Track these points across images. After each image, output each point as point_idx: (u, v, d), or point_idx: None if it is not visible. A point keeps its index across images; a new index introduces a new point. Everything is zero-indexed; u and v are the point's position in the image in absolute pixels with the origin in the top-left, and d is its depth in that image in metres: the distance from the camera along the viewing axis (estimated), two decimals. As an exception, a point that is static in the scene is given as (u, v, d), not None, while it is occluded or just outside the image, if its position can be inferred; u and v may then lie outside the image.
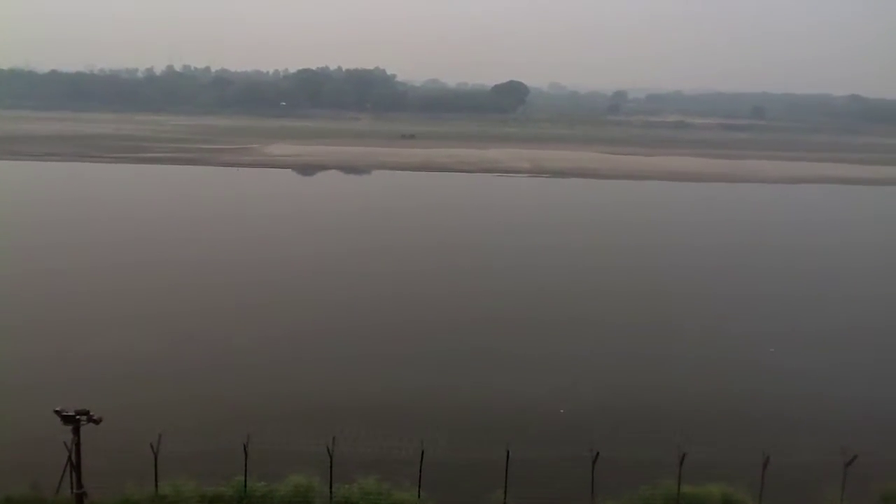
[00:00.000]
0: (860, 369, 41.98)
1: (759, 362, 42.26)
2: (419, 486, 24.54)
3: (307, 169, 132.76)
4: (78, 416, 22.26)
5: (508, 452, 24.31)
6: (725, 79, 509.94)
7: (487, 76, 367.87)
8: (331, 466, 23.96)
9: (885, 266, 69.34)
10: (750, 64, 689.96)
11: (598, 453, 24.41)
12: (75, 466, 22.72)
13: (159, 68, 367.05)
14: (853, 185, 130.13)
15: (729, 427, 33.53)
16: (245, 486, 24.21)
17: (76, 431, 22.37)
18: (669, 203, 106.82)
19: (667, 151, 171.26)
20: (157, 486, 23.88)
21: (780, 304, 54.55)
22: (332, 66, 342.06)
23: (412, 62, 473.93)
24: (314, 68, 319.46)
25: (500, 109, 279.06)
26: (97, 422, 22.49)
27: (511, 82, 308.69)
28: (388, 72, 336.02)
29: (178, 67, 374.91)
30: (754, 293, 57.72)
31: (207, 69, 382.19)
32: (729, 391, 38.11)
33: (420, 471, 24.33)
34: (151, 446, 23.33)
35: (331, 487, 24.30)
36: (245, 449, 23.83)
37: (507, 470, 24.44)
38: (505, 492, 24.67)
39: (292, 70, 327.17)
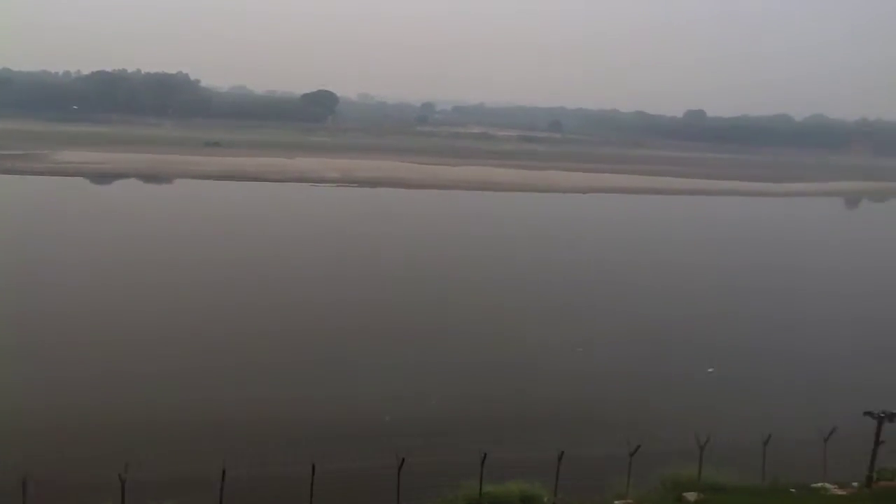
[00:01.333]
0: (638, 370, 45.57)
1: (560, 367, 44.79)
2: (222, 507, 23.89)
3: (103, 177, 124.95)
4: None
5: (314, 466, 24.25)
6: (525, 93, 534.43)
7: (296, 84, 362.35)
8: (122, 494, 22.71)
9: (666, 270, 75.46)
10: (548, 80, 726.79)
11: (403, 460, 24.92)
12: None
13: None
14: (638, 195, 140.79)
15: (531, 428, 35.30)
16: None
17: None
18: (476, 213, 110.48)
19: (472, 162, 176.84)
20: None
21: (576, 313, 57.96)
22: (130, 69, 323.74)
23: (217, 67, 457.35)
24: (110, 70, 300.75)
25: (310, 118, 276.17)
26: None
27: (320, 91, 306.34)
28: (192, 76, 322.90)
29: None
30: (555, 302, 60.97)
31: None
32: (531, 395, 40.08)
33: (221, 490, 23.67)
34: None
35: (124, 517, 23.09)
36: (24, 484, 22.00)
37: (312, 482, 24.34)
38: (310, 504, 24.59)
39: (85, 71, 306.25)
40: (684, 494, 27.57)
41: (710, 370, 45.48)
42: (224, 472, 23.44)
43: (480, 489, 25.93)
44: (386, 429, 34.14)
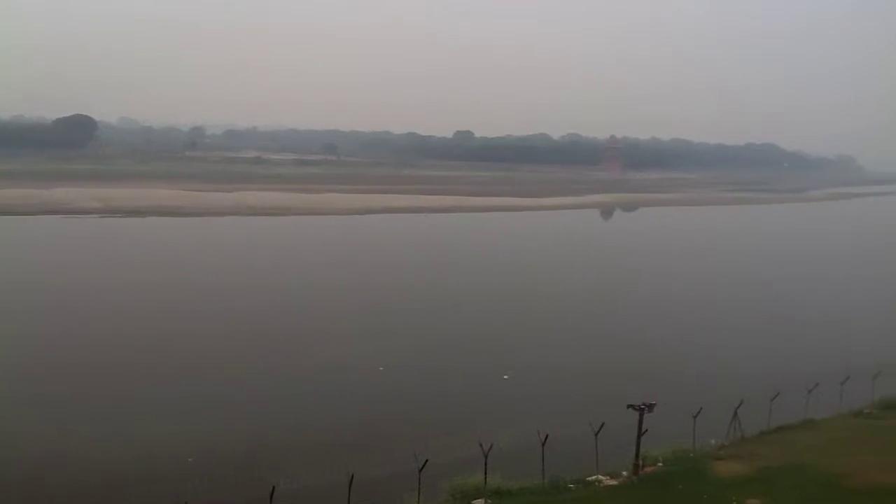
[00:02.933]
0: (433, 383, 46.62)
1: (363, 389, 44.59)
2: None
3: None
4: None
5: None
6: (299, 116, 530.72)
7: (47, 108, 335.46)
8: None
9: (453, 288, 77.69)
10: (321, 102, 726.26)
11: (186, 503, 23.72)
12: None
13: None
14: (413, 214, 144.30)
15: (318, 454, 34.75)
16: None
17: None
18: (253, 238, 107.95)
19: (247, 186, 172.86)
20: None
21: (375, 333, 58.04)
22: None
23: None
24: None
25: (66, 145, 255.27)
26: None
27: (76, 116, 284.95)
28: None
29: None
30: (352, 323, 60.71)
31: None
32: (316, 422, 39.51)
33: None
34: None
35: None
36: None
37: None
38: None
39: None
40: (473, 502, 28.43)
41: (505, 377, 47.57)
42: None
43: (270, 523, 25.19)
44: (163, 471, 32.19)
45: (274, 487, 24.90)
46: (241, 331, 56.73)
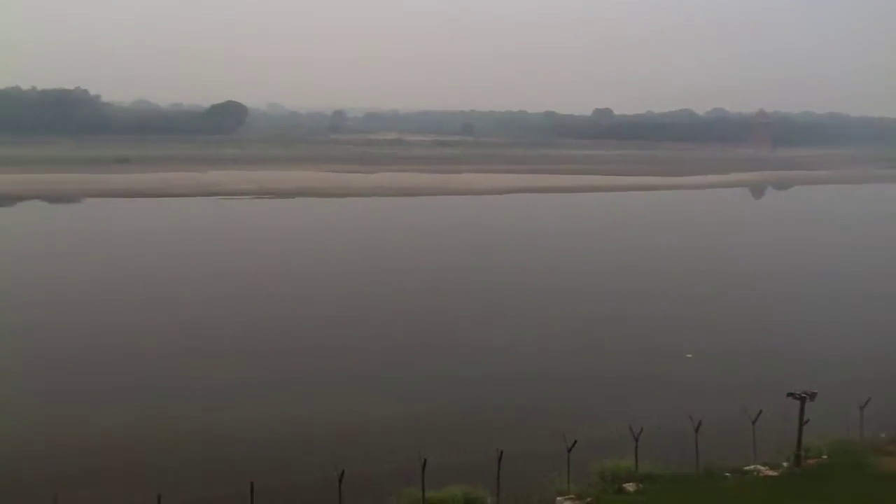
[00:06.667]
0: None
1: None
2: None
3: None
4: None
5: (252, 484, 23.57)
6: (438, 98, 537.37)
7: (203, 96, 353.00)
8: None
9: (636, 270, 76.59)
10: (459, 84, 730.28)
11: (343, 471, 24.51)
12: None
13: None
14: (552, 194, 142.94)
15: (464, 430, 35.09)
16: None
17: None
18: (400, 218, 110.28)
19: (387, 168, 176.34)
20: None
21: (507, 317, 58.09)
22: (25, 86, 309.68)
23: (118, 81, 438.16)
24: (1, 87, 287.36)
25: (219, 130, 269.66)
26: None
27: (229, 102, 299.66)
28: (91, 91, 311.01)
29: None
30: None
31: None
32: (464, 401, 39.76)
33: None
34: None
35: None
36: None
37: (252, 501, 23.68)
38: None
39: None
40: (624, 486, 27.93)
41: (688, 356, 46.58)
42: (159, 497, 22.55)
43: (423, 495, 25.71)
44: (322, 443, 33.38)
45: (426, 460, 25.32)
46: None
